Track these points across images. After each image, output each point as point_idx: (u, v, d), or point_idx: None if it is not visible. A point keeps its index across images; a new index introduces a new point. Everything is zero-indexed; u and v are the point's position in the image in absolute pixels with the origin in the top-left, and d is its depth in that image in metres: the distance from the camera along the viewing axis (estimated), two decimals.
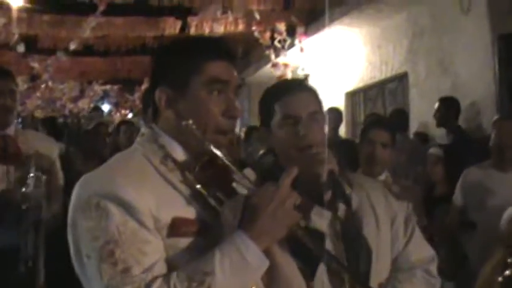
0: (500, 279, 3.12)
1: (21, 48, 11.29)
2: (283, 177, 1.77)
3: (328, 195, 2.27)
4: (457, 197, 5.01)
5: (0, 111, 4.02)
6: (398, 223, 2.50)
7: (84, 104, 16.49)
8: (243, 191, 1.91)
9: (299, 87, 2.46)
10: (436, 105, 6.87)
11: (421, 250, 2.53)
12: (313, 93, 2.47)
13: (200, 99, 1.89)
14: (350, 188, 2.40)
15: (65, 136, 4.08)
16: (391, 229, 2.47)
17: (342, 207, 2.30)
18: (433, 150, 5.70)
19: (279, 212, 1.72)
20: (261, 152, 2.09)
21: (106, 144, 6.54)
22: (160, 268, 1.71)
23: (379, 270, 2.37)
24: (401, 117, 7.90)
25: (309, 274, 2.06)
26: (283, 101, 2.37)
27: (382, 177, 4.13)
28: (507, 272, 3.13)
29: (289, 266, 1.87)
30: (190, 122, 1.86)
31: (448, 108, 6.78)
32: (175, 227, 1.77)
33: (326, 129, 2.46)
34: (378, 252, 2.36)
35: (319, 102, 2.46)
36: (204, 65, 1.90)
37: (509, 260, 3.19)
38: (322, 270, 2.14)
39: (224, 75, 1.92)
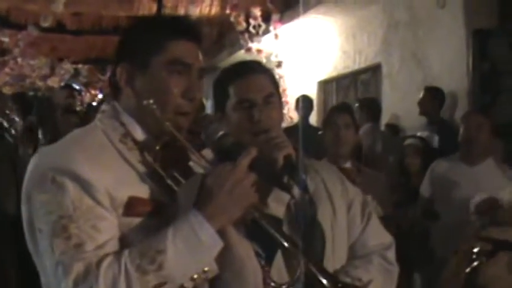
0: (467, 270, 3.13)
1: None
2: (242, 157, 1.73)
3: (284, 180, 2.22)
4: (425, 188, 5.04)
5: None
6: (354, 208, 2.45)
7: (54, 83, 16.27)
8: (200, 170, 1.88)
9: (254, 69, 2.37)
10: (421, 93, 6.90)
11: (379, 236, 2.48)
12: (268, 75, 2.40)
13: (160, 78, 1.85)
14: (305, 173, 2.34)
15: (34, 110, 4.00)
16: (347, 215, 2.43)
17: (296, 192, 2.24)
18: (411, 141, 5.70)
19: (236, 191, 1.68)
20: (221, 132, 2.02)
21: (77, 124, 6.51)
22: (114, 246, 1.68)
23: (336, 257, 2.32)
24: (373, 106, 7.89)
25: (265, 257, 2.01)
26: (237, 84, 2.30)
27: (347, 164, 4.14)
28: (475, 263, 3.14)
29: (244, 248, 1.82)
30: (151, 101, 1.82)
31: (434, 97, 6.81)
32: (131, 206, 1.74)
33: (282, 111, 2.43)
34: (334, 238, 2.32)
35: (275, 84, 2.40)
36: (166, 45, 1.86)
37: (475, 251, 3.19)
38: (280, 254, 2.11)
39: (187, 57, 1.88)
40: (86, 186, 1.67)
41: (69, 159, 1.70)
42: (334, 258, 2.30)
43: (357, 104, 7.87)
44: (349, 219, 2.43)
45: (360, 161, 4.48)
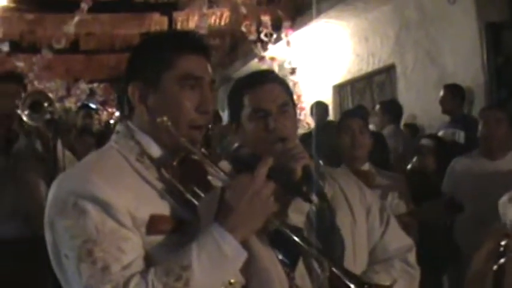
0: (495, 267, 3.09)
1: (5, 47, 11.22)
2: (259, 167, 1.72)
3: (303, 190, 2.21)
4: (447, 187, 5.01)
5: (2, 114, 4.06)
6: (373, 213, 2.46)
7: (71, 103, 16.39)
8: (219, 184, 1.89)
9: (268, 79, 2.39)
10: (441, 92, 6.82)
11: (398, 239, 2.48)
12: (282, 84, 2.42)
13: (172, 94, 1.86)
14: (322, 179, 2.36)
15: (52, 132, 4.04)
16: (366, 220, 2.43)
17: (315, 200, 2.24)
18: (424, 142, 5.67)
19: (255, 201, 1.68)
20: (236, 144, 2.03)
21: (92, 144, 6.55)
22: (139, 265, 1.68)
23: (357, 262, 2.32)
24: (393, 108, 7.84)
25: (289, 265, 2.01)
26: (251, 93, 2.32)
27: (365, 167, 4.15)
28: (502, 260, 3.10)
29: (269, 257, 1.82)
30: (165, 118, 1.83)
31: (454, 95, 6.75)
32: (154, 225, 1.74)
33: (297, 120, 2.44)
34: (354, 244, 2.33)
35: (289, 93, 2.41)
36: (176, 60, 1.87)
37: (501, 249, 3.15)
38: (301, 261, 2.10)
39: (197, 70, 1.89)
40: (107, 209, 1.68)
41: (88, 183, 1.71)
42: (356, 264, 2.29)
43: (378, 107, 7.84)
44: (369, 225, 2.44)
45: (378, 163, 4.45)
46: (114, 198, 1.69)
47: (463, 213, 4.83)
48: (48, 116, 4.06)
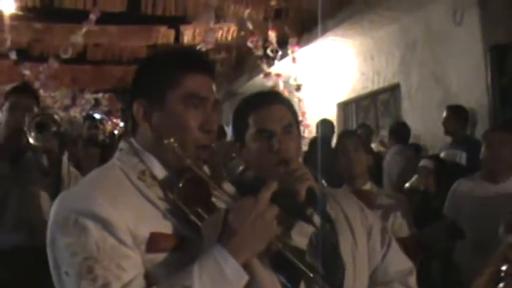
0: (504, 268, 3.09)
1: (13, 55, 11.27)
2: (263, 190, 1.74)
3: (307, 213, 2.22)
4: (449, 209, 5.00)
5: (12, 125, 4.10)
6: (374, 235, 2.44)
7: (75, 113, 16.44)
8: (222, 205, 1.90)
9: (273, 99, 2.38)
10: (444, 113, 6.84)
11: (399, 262, 2.46)
12: (287, 105, 2.41)
13: (177, 113, 1.87)
14: (325, 201, 2.35)
15: (58, 145, 4.07)
16: (367, 242, 2.41)
17: (318, 223, 2.23)
18: (424, 163, 5.68)
19: (258, 224, 1.69)
20: (241, 167, 2.04)
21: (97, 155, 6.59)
22: (140, 283, 1.69)
23: (358, 285, 2.30)
24: (402, 129, 7.86)
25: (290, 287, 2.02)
26: (256, 114, 2.31)
27: (367, 186, 4.16)
28: (500, 285, 3.11)
29: (270, 280, 1.83)
30: (172, 140, 1.84)
31: (457, 116, 6.76)
32: (154, 243, 1.76)
33: (301, 141, 2.42)
34: (355, 266, 2.30)
35: (294, 114, 2.41)
36: (181, 79, 1.88)
37: (502, 274, 3.16)
38: (303, 285, 2.11)
39: (202, 90, 1.90)
40: (107, 227, 1.69)
41: (89, 201, 1.72)
42: (355, 287, 2.29)
43: (387, 130, 7.93)
44: (370, 247, 2.42)
45: (379, 183, 4.48)
46: (115, 216, 1.71)
47: (463, 239, 4.83)
48: (54, 129, 4.09)
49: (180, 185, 1.83)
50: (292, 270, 1.90)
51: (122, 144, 1.97)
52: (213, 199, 1.93)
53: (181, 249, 1.78)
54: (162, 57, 2.03)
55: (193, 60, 1.95)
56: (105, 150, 7.31)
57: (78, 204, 1.73)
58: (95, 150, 6.87)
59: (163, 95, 1.87)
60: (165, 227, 1.80)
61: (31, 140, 3.98)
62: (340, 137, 4.66)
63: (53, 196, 4.02)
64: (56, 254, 1.74)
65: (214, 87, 1.97)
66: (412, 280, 2.44)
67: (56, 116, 4.22)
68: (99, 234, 1.68)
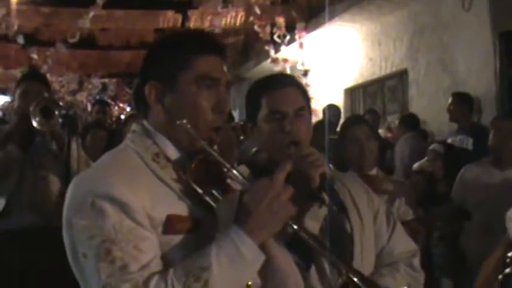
0: (499, 277, 3.10)
1: (20, 40, 11.27)
2: (277, 171, 1.74)
3: (320, 197, 2.23)
4: (456, 194, 5.01)
5: (23, 110, 4.16)
6: (380, 218, 2.49)
7: (82, 97, 16.45)
8: (237, 187, 1.91)
9: (287, 82, 2.43)
10: (450, 100, 6.82)
11: (404, 244, 2.52)
12: (300, 89, 2.44)
13: (190, 94, 1.87)
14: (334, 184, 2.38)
15: (67, 129, 4.11)
16: (374, 224, 2.46)
17: (327, 207, 2.26)
18: (433, 147, 5.68)
19: (274, 205, 1.70)
20: (254, 149, 2.06)
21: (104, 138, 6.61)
22: (157, 265, 1.70)
23: (365, 266, 2.34)
24: (412, 120, 7.84)
25: (305, 268, 2.04)
26: (270, 95, 2.34)
27: (373, 172, 4.15)
28: (507, 270, 3.11)
29: (286, 260, 1.85)
30: (185, 121, 1.85)
31: (462, 102, 6.75)
32: (170, 225, 1.76)
33: (312, 125, 2.45)
34: (362, 247, 2.35)
35: (306, 98, 2.44)
36: (193, 60, 1.88)
37: (508, 260, 3.16)
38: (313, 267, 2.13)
39: (214, 72, 1.90)
40: (124, 208, 1.70)
41: (106, 183, 1.73)
42: (363, 267, 2.31)
43: (396, 121, 7.91)
44: (376, 229, 2.47)
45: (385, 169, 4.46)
46: (131, 198, 1.71)
47: (470, 221, 4.83)
48: (63, 112, 4.16)
49: (193, 165, 1.84)
50: (306, 251, 1.93)
51: (135, 127, 1.97)
52: (227, 180, 1.94)
53: (196, 230, 1.79)
54: (174, 39, 2.03)
55: (206, 41, 1.95)
56: (111, 134, 7.33)
57: (94, 186, 1.74)
58: (102, 133, 6.87)
59: (175, 76, 1.88)
60: (181, 208, 1.81)
61: (35, 125, 4.02)
62: (349, 123, 4.52)
63: (63, 179, 4.10)
64: (73, 236, 1.74)
65: (225, 68, 1.97)
66: (416, 261, 2.49)
67: (60, 103, 4.29)
68: (116, 217, 1.69)
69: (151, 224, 1.73)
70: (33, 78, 4.48)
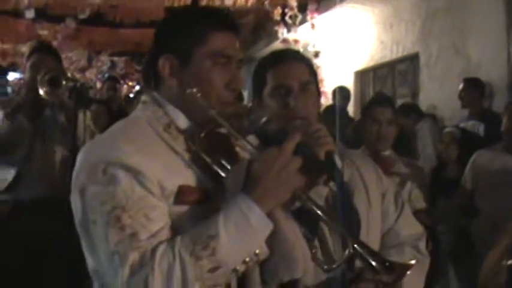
0: (509, 262, 3.08)
1: (30, 14, 11.22)
2: (287, 141, 1.74)
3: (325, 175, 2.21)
4: (467, 179, 4.97)
5: (34, 82, 4.12)
6: (388, 198, 2.48)
7: (91, 74, 16.45)
8: (246, 156, 1.92)
9: (291, 56, 2.41)
10: (461, 85, 6.76)
11: (411, 226, 2.50)
12: (306, 63, 2.41)
13: (204, 70, 1.88)
14: (342, 163, 2.34)
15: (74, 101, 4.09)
16: (381, 204, 2.45)
17: (331, 184, 2.25)
18: (450, 130, 5.61)
19: (282, 174, 1.70)
20: (264, 118, 2.04)
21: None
22: (166, 234, 1.71)
23: (370, 244, 2.32)
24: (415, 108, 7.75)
25: (312, 239, 2.02)
26: (275, 70, 2.32)
27: (387, 152, 4.11)
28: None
29: (293, 231, 1.83)
30: (195, 90, 1.85)
31: (473, 88, 6.68)
32: (182, 195, 1.77)
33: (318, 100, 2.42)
34: (368, 225, 2.34)
35: (312, 72, 2.40)
36: (209, 36, 1.89)
37: None
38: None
39: (228, 49, 1.91)
40: (137, 176, 1.70)
41: (118, 150, 1.73)
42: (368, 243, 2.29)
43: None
44: (383, 208, 2.46)
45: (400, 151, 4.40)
46: (144, 166, 1.72)
47: (478, 216, 4.80)
48: (70, 84, 4.14)
49: (202, 134, 1.85)
50: (313, 222, 1.94)
51: (145, 97, 1.97)
52: (237, 150, 1.95)
53: (207, 201, 1.80)
54: (189, 13, 2.04)
55: (222, 18, 1.96)
56: (120, 112, 7.32)
57: (107, 153, 1.74)
58: (103, 108, 6.81)
59: (190, 51, 1.89)
60: (192, 179, 1.82)
61: (42, 94, 4.01)
62: (373, 104, 4.41)
63: (70, 150, 4.11)
64: (83, 202, 1.74)
65: (238, 46, 1.97)
66: (422, 244, 2.49)
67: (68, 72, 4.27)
68: (128, 184, 1.70)
69: (162, 193, 1.74)
70: (45, 51, 4.40)
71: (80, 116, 4.24)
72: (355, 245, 1.79)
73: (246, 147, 1.91)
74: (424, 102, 8.45)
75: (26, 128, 4.13)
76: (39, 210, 4.04)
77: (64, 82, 4.10)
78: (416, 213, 3.33)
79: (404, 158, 4.36)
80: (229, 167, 1.82)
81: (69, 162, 4.08)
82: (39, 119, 4.20)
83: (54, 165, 4.22)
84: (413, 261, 1.94)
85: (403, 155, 4.42)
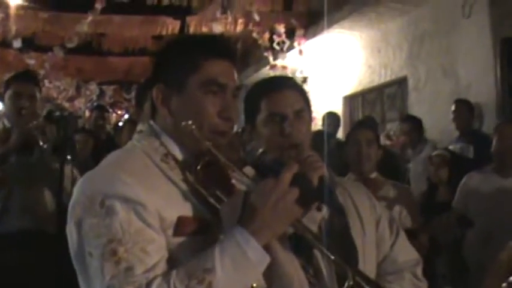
0: (504, 285, 3.05)
1: (17, 44, 11.23)
2: (283, 172, 1.70)
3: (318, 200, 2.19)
4: (458, 202, 4.95)
5: (18, 114, 4.10)
6: (383, 225, 2.47)
7: (80, 104, 16.39)
8: (242, 188, 1.89)
9: (285, 83, 2.40)
10: (453, 107, 6.78)
11: (407, 252, 2.49)
12: (300, 91, 2.41)
13: (196, 99, 1.86)
14: (334, 189, 2.36)
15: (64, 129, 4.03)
16: (376, 231, 2.44)
17: (325, 209, 2.23)
18: (439, 152, 5.61)
19: (279, 206, 1.66)
20: (260, 150, 2.03)
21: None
22: (162, 267, 1.68)
23: (367, 271, 2.30)
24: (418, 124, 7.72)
25: (308, 269, 2.01)
26: (269, 98, 2.32)
27: (373, 175, 4.13)
28: (511, 278, 3.06)
29: (291, 263, 1.81)
30: (190, 122, 1.83)
31: (464, 110, 6.71)
32: (181, 226, 1.75)
33: (311, 127, 2.43)
34: (364, 255, 2.32)
35: (306, 100, 2.41)
36: (201, 64, 1.87)
37: None
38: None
39: (222, 77, 1.89)
40: (136, 208, 1.68)
41: (117, 182, 1.71)
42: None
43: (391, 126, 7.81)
44: (378, 235, 2.44)
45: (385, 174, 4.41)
46: (144, 197, 1.70)
47: (472, 229, 4.78)
48: (57, 114, 4.11)
49: (198, 167, 1.83)
50: (307, 249, 1.91)
51: (141, 127, 1.96)
52: (233, 181, 1.92)
53: (206, 232, 1.77)
54: (183, 42, 2.03)
55: (216, 45, 1.94)
56: (109, 141, 7.28)
57: (105, 185, 1.72)
58: (88, 138, 6.76)
59: (183, 80, 1.87)
60: (190, 210, 1.79)
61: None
62: (354, 127, 4.57)
63: (54, 191, 4.05)
64: (79, 234, 1.72)
65: (235, 74, 1.95)
66: (419, 271, 2.47)
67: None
68: (125, 216, 1.67)
69: (161, 225, 1.72)
70: (25, 78, 4.32)
71: (67, 168, 4.16)
72: (356, 277, 1.74)
73: (242, 178, 1.89)
74: None
75: (11, 162, 4.06)
76: (21, 244, 3.96)
77: (58, 113, 4.07)
78: (407, 231, 3.33)
79: (391, 180, 4.37)
80: (224, 199, 1.80)
81: (54, 202, 4.07)
82: (28, 160, 4.14)
83: (37, 199, 4.14)
84: None
85: (391, 178, 4.43)
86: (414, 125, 7.27)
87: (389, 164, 6.55)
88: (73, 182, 4.18)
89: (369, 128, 4.41)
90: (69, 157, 4.19)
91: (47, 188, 4.18)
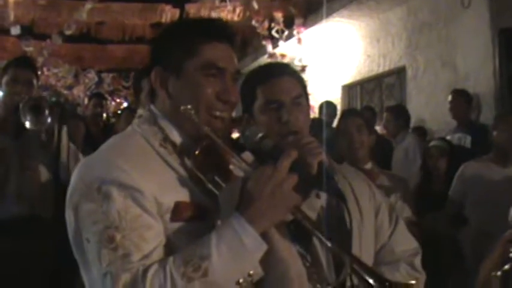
0: (499, 273, 3.06)
1: (16, 30, 11.18)
2: (282, 159, 1.69)
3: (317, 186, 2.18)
4: (455, 191, 4.95)
5: (12, 99, 4.08)
6: (382, 213, 2.44)
7: (79, 91, 16.35)
8: (240, 174, 1.86)
9: (282, 71, 2.38)
10: (450, 97, 6.77)
11: (406, 242, 2.46)
12: (297, 77, 2.40)
13: (194, 82, 1.86)
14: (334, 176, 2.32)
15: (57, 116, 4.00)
16: (375, 220, 2.41)
17: (324, 196, 2.22)
18: (437, 143, 5.58)
19: (277, 194, 1.65)
20: (260, 135, 2.02)
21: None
22: (159, 254, 1.68)
23: (364, 259, 2.29)
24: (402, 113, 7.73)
25: (306, 256, 2.00)
26: (265, 85, 2.29)
27: (368, 166, 4.11)
28: (506, 267, 3.07)
29: (288, 250, 1.79)
30: (189, 107, 1.82)
31: (461, 100, 6.70)
32: (178, 211, 1.75)
33: (310, 114, 2.42)
34: (361, 243, 2.29)
35: (303, 86, 2.38)
36: (199, 48, 1.86)
37: (510, 255, 3.12)
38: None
39: (221, 60, 1.88)
40: (134, 194, 1.68)
41: (114, 168, 1.70)
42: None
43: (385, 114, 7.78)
44: (377, 224, 2.41)
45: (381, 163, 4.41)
46: (141, 183, 1.69)
47: (467, 224, 4.80)
48: (53, 100, 4.09)
49: (197, 152, 1.82)
50: (305, 236, 1.89)
51: (141, 111, 1.96)
52: (231, 167, 1.90)
53: (203, 217, 1.77)
54: (181, 26, 2.02)
55: (215, 28, 1.93)
56: (109, 128, 7.26)
57: (101, 171, 1.72)
58: (80, 123, 6.74)
59: (182, 63, 1.86)
60: (188, 195, 1.79)
61: (27, 125, 3.95)
62: (342, 116, 4.53)
63: (51, 169, 4.04)
64: (77, 220, 1.72)
65: (234, 57, 1.94)
66: (418, 261, 2.44)
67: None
68: (122, 203, 1.67)
69: (158, 210, 1.71)
70: (22, 64, 4.31)
71: (63, 133, 4.16)
72: (354, 265, 1.73)
73: (240, 164, 1.85)
74: (412, 115, 8.44)
75: (7, 146, 4.07)
76: (16, 229, 3.96)
77: (46, 111, 4.03)
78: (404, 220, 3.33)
79: (387, 170, 4.36)
80: (222, 185, 1.79)
81: (50, 180, 4.06)
82: (20, 137, 4.13)
83: (32, 184, 4.12)
84: (413, 282, 1.90)
85: (386, 168, 4.43)
86: (395, 114, 7.27)
87: (385, 151, 6.57)
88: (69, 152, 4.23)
89: (357, 114, 4.41)
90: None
91: (43, 165, 4.17)
